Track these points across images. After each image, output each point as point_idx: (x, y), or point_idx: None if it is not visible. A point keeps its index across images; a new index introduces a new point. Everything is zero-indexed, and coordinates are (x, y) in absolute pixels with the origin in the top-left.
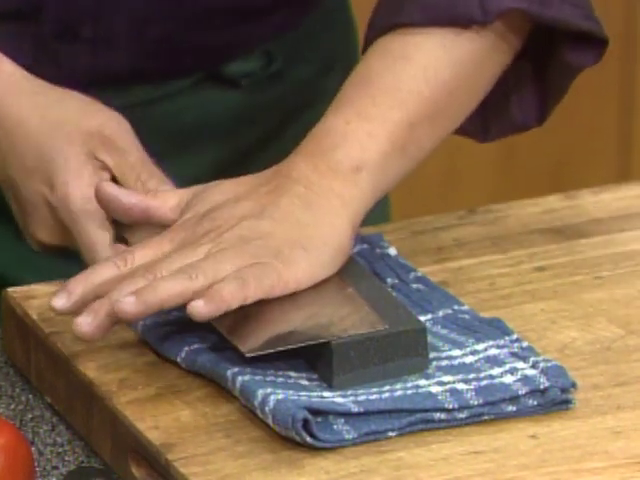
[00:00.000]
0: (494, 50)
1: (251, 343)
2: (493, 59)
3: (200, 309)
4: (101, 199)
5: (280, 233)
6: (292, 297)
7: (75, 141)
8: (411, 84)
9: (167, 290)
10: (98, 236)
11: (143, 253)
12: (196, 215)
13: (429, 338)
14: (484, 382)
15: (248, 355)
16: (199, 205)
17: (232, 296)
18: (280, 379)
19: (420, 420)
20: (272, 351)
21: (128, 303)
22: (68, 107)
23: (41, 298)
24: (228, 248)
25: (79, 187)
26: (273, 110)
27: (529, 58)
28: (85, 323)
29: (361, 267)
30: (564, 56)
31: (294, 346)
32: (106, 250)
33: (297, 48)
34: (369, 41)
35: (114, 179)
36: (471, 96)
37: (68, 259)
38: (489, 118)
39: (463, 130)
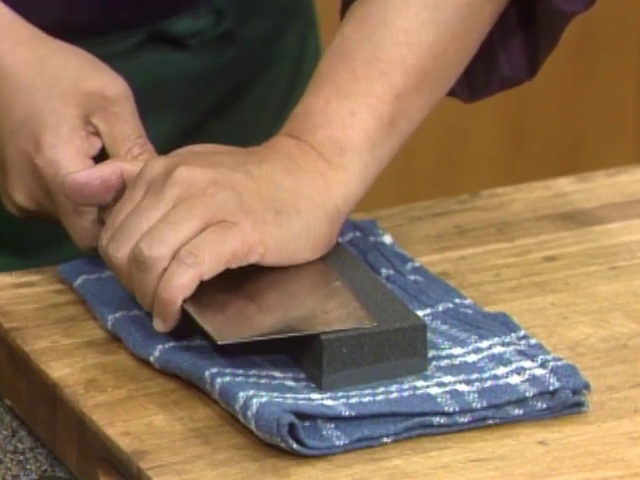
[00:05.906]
0: (483, 2)
1: (225, 331)
2: (483, 12)
3: (159, 327)
4: (74, 192)
5: (255, 190)
6: (272, 286)
7: (70, 102)
8: (393, 52)
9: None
10: (84, 208)
11: (121, 216)
12: (170, 156)
13: (427, 335)
14: (488, 383)
15: (221, 343)
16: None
17: (183, 288)
18: (263, 380)
19: (418, 425)
20: (247, 340)
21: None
22: (67, 63)
23: (0, 290)
24: (196, 196)
25: (68, 154)
26: (227, 74)
27: (515, 5)
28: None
29: (352, 256)
30: (553, 1)
31: (271, 337)
32: (91, 224)
33: (248, 4)
34: (346, 1)
35: (104, 147)
36: (460, 56)
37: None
38: (475, 74)
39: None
